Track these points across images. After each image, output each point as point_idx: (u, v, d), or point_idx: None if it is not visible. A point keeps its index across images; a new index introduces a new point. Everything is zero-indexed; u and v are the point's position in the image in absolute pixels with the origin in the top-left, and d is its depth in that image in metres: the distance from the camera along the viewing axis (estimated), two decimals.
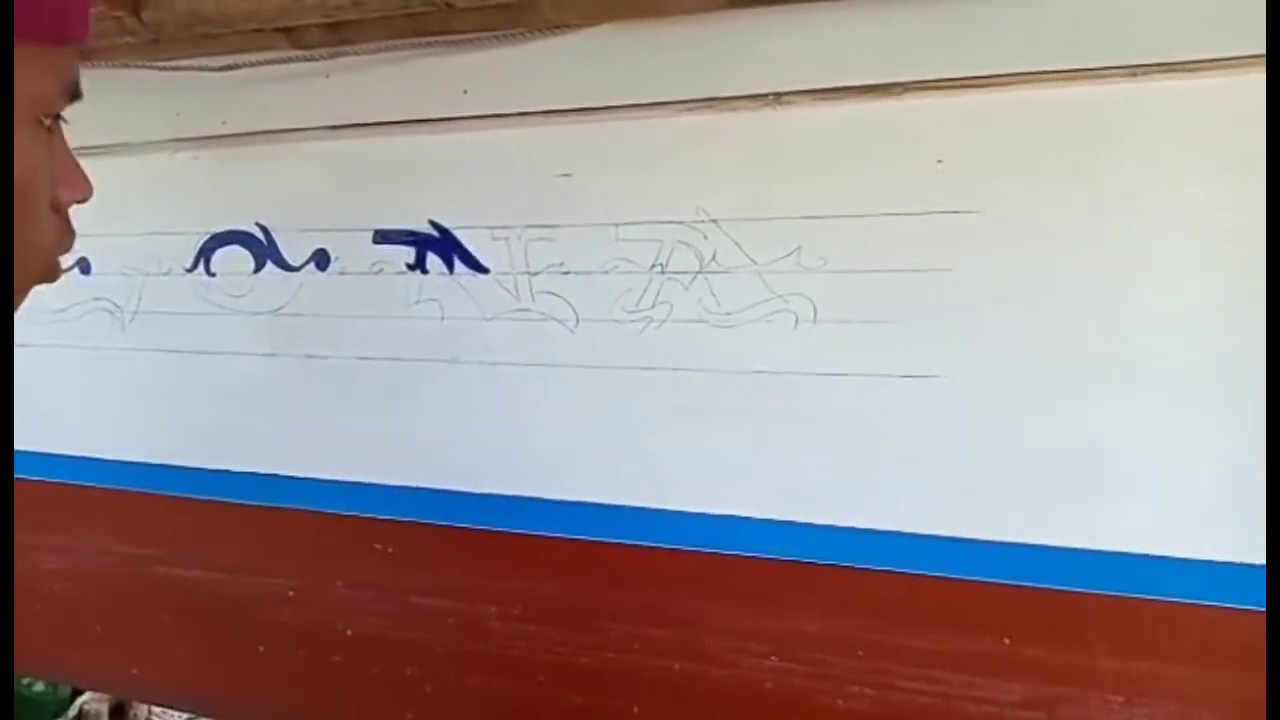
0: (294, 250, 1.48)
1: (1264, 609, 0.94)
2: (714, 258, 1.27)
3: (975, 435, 1.22)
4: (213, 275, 1.54)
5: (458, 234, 1.39)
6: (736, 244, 1.25)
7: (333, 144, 1.41)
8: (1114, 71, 1.07)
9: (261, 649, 1.70)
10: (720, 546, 1.36)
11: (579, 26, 1.23)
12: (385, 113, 1.37)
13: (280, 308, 1.50)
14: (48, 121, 0.60)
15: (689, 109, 1.24)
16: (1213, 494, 1.15)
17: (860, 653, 1.32)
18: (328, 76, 1.35)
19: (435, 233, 1.40)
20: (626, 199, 1.30)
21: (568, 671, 1.49)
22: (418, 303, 1.42)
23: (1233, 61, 1.03)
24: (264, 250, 1.50)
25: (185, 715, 2.61)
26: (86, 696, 2.90)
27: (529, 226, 1.35)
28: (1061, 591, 1.22)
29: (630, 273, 1.31)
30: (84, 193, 0.66)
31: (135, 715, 2.98)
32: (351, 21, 1.26)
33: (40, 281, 0.63)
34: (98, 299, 1.62)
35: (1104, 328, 1.15)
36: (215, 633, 1.75)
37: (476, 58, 1.27)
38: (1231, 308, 1.09)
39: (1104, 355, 1.16)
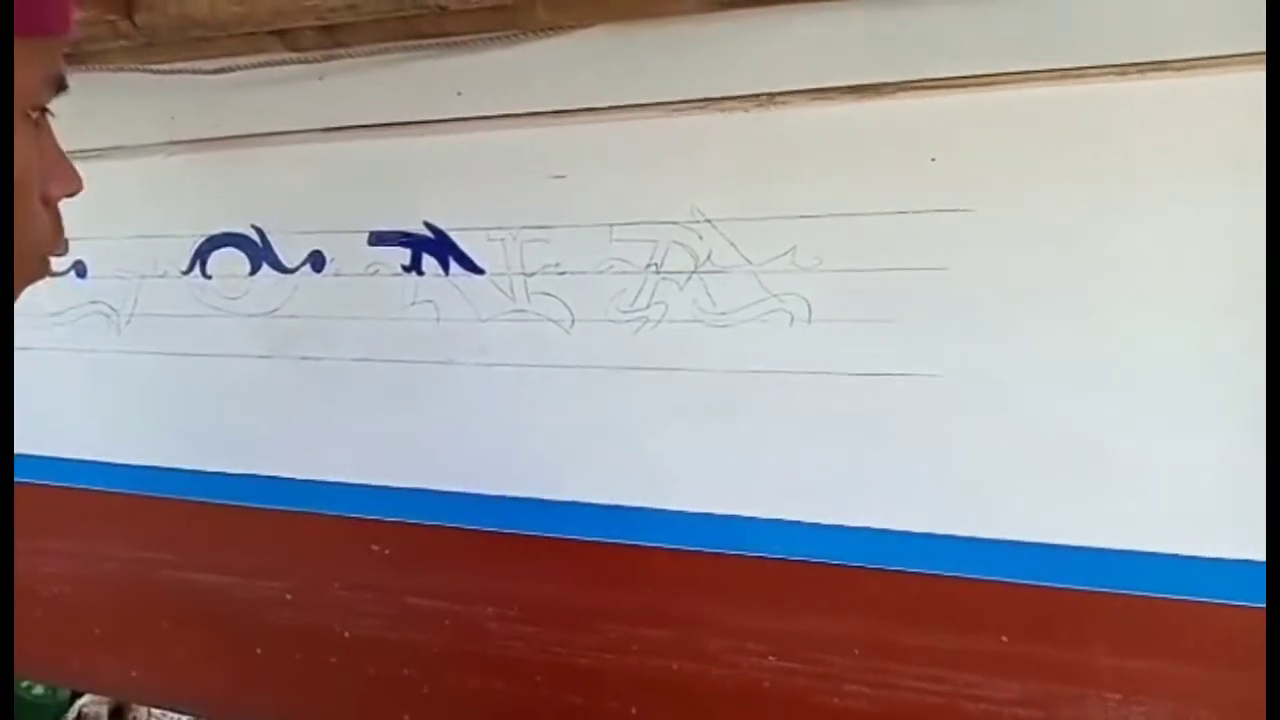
0: (289, 252, 1.48)
1: (1263, 605, 0.93)
2: (709, 258, 1.27)
3: (970, 434, 1.22)
4: (208, 278, 1.54)
5: (453, 235, 1.39)
6: (731, 244, 1.26)
7: (327, 146, 1.41)
8: (1106, 70, 1.07)
9: (259, 651, 1.71)
10: (717, 546, 1.36)
11: (572, 28, 1.23)
12: (380, 115, 1.37)
13: (276, 310, 1.50)
14: (35, 115, 0.60)
15: (683, 110, 1.24)
16: (1211, 491, 1.15)
17: (857, 651, 1.32)
18: (322, 79, 1.35)
19: (430, 234, 1.40)
20: (621, 199, 1.30)
21: (565, 672, 1.50)
22: (413, 304, 1.42)
23: (1225, 60, 1.03)
24: (259, 252, 1.50)
25: (184, 717, 2.61)
26: (85, 699, 2.90)
27: (524, 227, 1.35)
28: (1059, 589, 1.22)
29: (625, 273, 1.31)
30: (74, 186, 0.66)
31: (135, 717, 2.98)
32: (345, 24, 1.26)
33: (33, 279, 0.63)
34: (94, 302, 1.62)
35: (1100, 325, 1.15)
36: (213, 635, 1.75)
37: (470, 59, 1.27)
38: (1228, 305, 1.09)
39: (1099, 353, 1.16)
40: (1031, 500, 1.22)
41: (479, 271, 1.38)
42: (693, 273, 1.28)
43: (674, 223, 1.28)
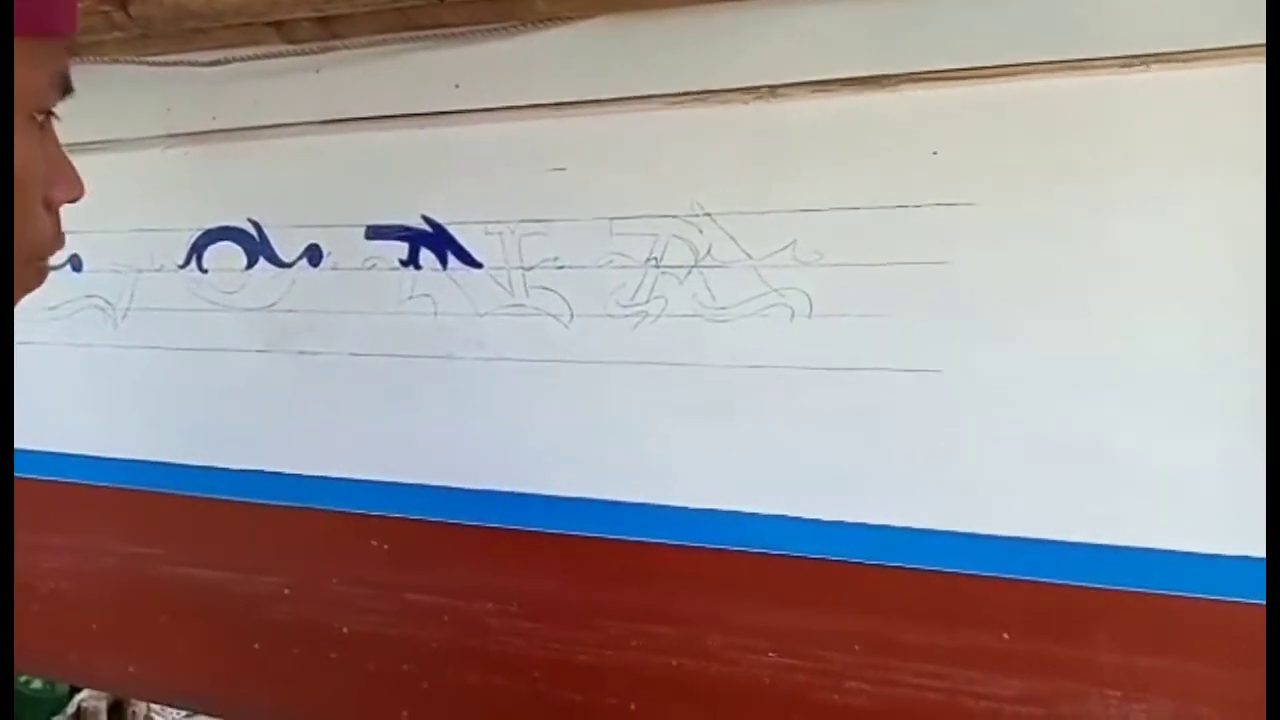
0: (286, 246, 1.47)
1: (1263, 602, 0.93)
2: (709, 252, 1.26)
3: (972, 429, 1.21)
4: (205, 272, 1.53)
5: (451, 229, 1.38)
6: (731, 238, 1.25)
7: (324, 139, 1.40)
8: (1109, 62, 1.06)
9: (258, 646, 1.70)
10: (717, 542, 1.36)
11: (571, 19, 1.22)
12: (377, 107, 1.37)
13: (273, 304, 1.50)
14: (40, 118, 0.60)
15: (682, 102, 1.23)
16: (1211, 486, 1.14)
17: (858, 648, 1.32)
18: (318, 71, 1.34)
19: (428, 228, 1.39)
20: (621, 193, 1.29)
21: (565, 668, 1.49)
22: (411, 299, 1.41)
23: (1229, 51, 1.02)
24: (256, 246, 1.49)
25: (183, 713, 2.62)
26: (84, 694, 2.91)
27: (522, 221, 1.34)
28: (1060, 585, 1.21)
29: (625, 267, 1.30)
30: (76, 192, 0.65)
31: (134, 713, 2.99)
32: (342, 15, 1.25)
33: (31, 285, 0.62)
34: (89, 296, 1.61)
35: (1102, 320, 1.15)
36: (212, 630, 1.74)
37: (468, 51, 1.26)
38: (1230, 300, 1.08)
39: (1102, 348, 1.15)
40: (1033, 496, 1.21)
41: (477, 265, 1.38)
42: (693, 267, 1.27)
43: (674, 216, 1.27)
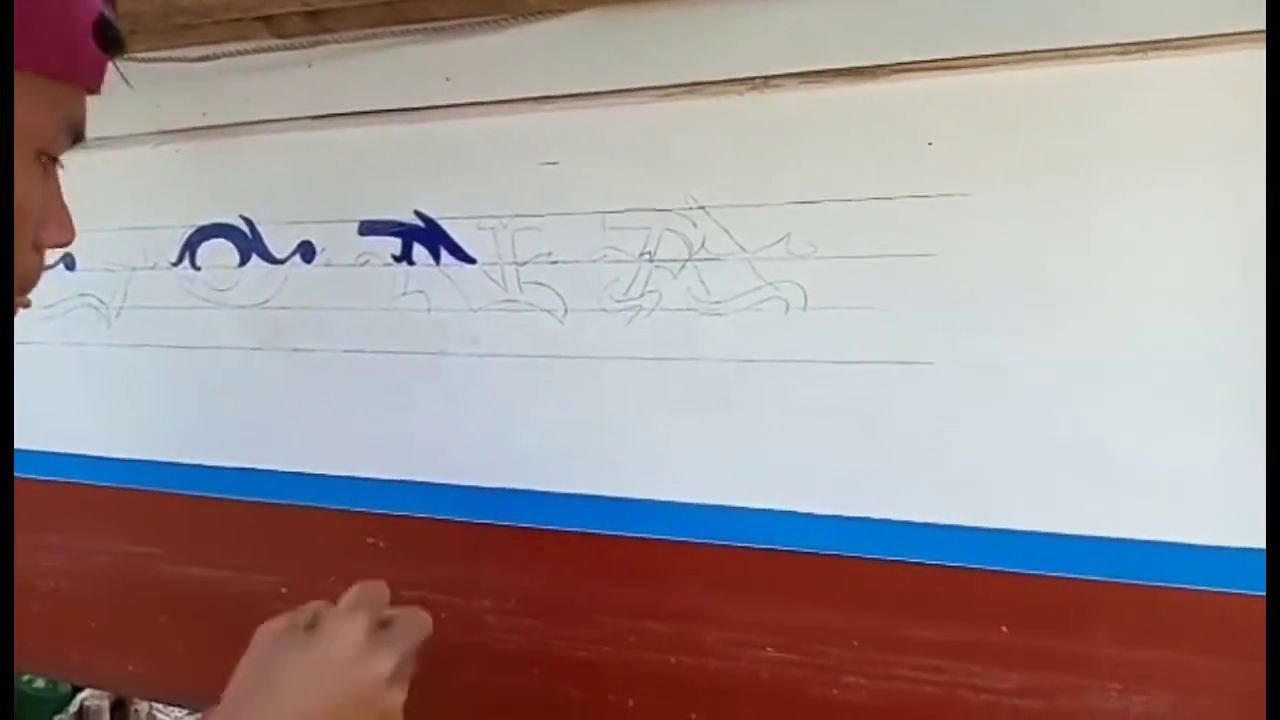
0: (279, 243, 1.47)
1: (1263, 594, 0.92)
2: (703, 245, 1.25)
3: (970, 422, 1.21)
4: (198, 269, 1.52)
5: (444, 224, 1.37)
6: (726, 231, 1.24)
7: (316, 134, 1.39)
8: (1107, 50, 1.05)
9: None
10: (714, 537, 1.35)
11: (563, 12, 1.21)
12: (368, 102, 1.36)
13: (266, 301, 1.49)
14: (45, 160, 0.59)
15: (675, 94, 1.22)
16: (1210, 478, 1.13)
17: (855, 642, 1.31)
18: (309, 65, 1.33)
19: (421, 223, 1.38)
20: (614, 186, 1.28)
21: (563, 665, 1.49)
22: (404, 294, 1.40)
23: (1229, 38, 1.01)
24: (249, 243, 1.48)
25: (185, 711, 2.62)
26: (87, 693, 2.91)
27: (516, 216, 1.33)
28: (1058, 578, 1.21)
29: (619, 261, 1.29)
30: (67, 237, 0.65)
31: (136, 711, 2.99)
32: (332, 9, 1.24)
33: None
34: (82, 295, 1.61)
35: (1100, 312, 1.14)
36: (210, 629, 1.73)
37: (459, 45, 1.25)
38: (1229, 292, 1.07)
39: (1100, 340, 1.14)
40: (1031, 488, 1.20)
41: (470, 261, 1.37)
42: (687, 260, 1.26)
43: (667, 210, 1.26)
